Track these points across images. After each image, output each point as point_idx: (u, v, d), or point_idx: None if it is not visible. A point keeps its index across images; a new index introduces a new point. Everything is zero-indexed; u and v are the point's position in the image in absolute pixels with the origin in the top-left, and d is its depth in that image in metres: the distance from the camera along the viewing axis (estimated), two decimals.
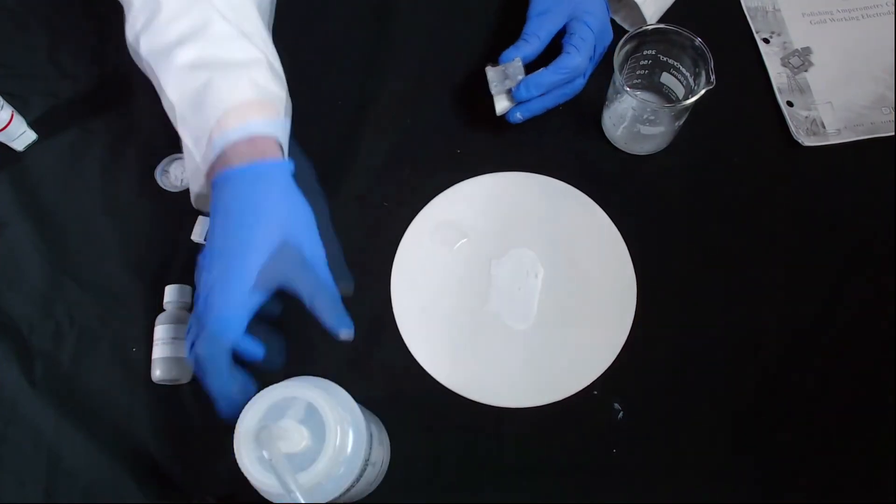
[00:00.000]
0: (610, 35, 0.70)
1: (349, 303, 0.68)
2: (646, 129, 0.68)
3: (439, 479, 0.62)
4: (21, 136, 0.72)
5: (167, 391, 0.65)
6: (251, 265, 0.54)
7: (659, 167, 0.72)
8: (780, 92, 0.74)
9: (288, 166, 0.58)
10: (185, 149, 0.59)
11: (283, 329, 0.67)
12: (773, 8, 0.78)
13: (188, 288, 0.67)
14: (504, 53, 0.68)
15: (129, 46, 0.62)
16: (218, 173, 0.56)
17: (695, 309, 0.67)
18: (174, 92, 0.58)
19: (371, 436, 0.53)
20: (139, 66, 0.63)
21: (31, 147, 0.74)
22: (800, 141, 0.72)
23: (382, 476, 0.61)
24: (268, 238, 0.55)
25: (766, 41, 0.77)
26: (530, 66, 0.67)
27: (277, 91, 0.60)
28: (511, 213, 0.71)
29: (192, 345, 0.54)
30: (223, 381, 0.54)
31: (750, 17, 0.78)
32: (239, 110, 0.56)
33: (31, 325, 0.67)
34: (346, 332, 0.56)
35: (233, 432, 0.49)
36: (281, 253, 0.55)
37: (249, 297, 0.54)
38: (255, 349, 0.56)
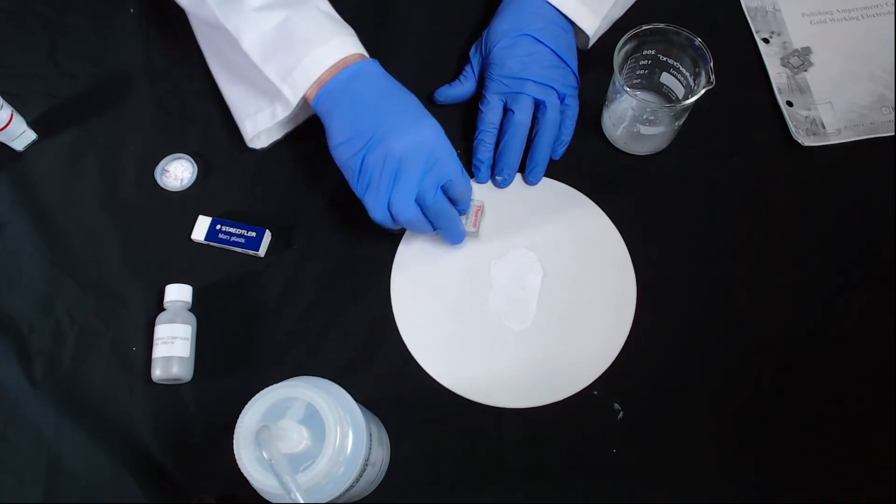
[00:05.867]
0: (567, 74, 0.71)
1: (351, 298, 0.68)
2: (646, 129, 0.68)
3: (439, 479, 0.62)
4: (21, 135, 0.72)
5: (167, 391, 0.65)
6: (432, 119, 0.62)
7: (659, 167, 0.72)
8: (779, 92, 0.74)
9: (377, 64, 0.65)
10: (255, 87, 0.67)
11: (285, 329, 0.67)
12: (773, 8, 0.78)
13: (188, 287, 0.67)
14: (439, 91, 0.74)
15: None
16: (331, 79, 0.63)
17: (695, 309, 0.67)
18: (252, 33, 0.64)
19: (371, 436, 0.53)
20: (194, 16, 0.70)
21: (30, 147, 0.74)
22: (799, 141, 0.72)
23: (382, 476, 0.61)
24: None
25: (766, 41, 0.77)
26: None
27: (335, 14, 0.67)
28: (511, 213, 0.71)
29: (424, 200, 0.62)
30: (456, 217, 0.65)
31: (750, 17, 0.78)
32: (323, 39, 0.63)
33: (31, 325, 0.67)
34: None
35: (233, 432, 0.49)
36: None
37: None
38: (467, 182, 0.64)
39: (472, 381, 0.65)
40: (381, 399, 0.62)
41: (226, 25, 0.65)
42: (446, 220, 0.64)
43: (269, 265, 0.69)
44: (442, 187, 0.63)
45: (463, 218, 0.67)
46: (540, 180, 0.71)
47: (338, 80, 0.63)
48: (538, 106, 0.69)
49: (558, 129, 0.70)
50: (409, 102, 0.63)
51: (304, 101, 0.65)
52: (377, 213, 0.62)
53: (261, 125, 0.69)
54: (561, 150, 0.71)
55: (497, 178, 0.71)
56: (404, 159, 0.60)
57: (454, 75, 0.75)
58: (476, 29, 0.77)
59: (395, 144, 0.60)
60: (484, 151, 0.71)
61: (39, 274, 0.69)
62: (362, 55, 0.65)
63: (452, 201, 0.64)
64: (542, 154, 0.70)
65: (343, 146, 0.62)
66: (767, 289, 0.67)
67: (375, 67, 0.65)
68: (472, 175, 0.72)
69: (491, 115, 0.70)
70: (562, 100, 0.70)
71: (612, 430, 0.63)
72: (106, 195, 0.72)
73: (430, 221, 0.64)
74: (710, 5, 0.79)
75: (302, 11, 0.65)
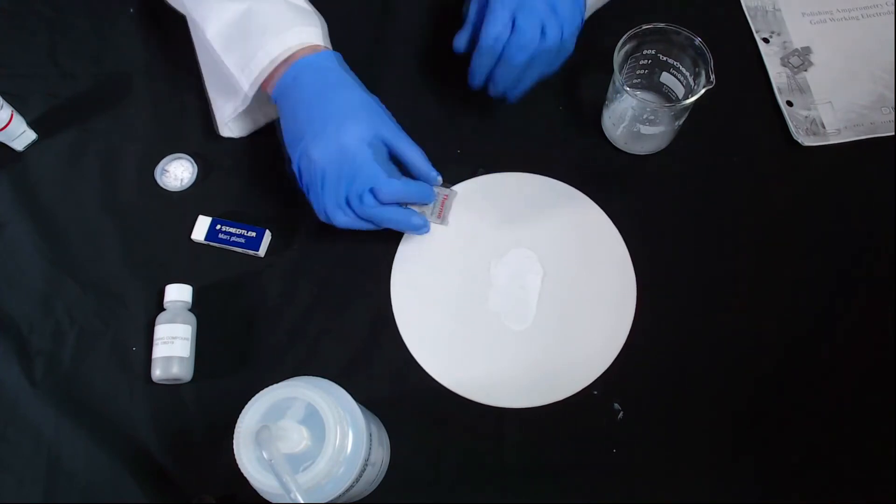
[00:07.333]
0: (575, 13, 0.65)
1: (351, 298, 0.68)
2: (646, 129, 0.68)
3: (439, 479, 0.62)
4: (21, 135, 0.72)
5: (167, 391, 0.65)
6: (358, 124, 0.61)
7: (659, 167, 0.72)
8: (779, 92, 0.74)
9: (336, 55, 0.65)
10: (223, 77, 0.66)
11: (285, 329, 0.67)
12: (773, 8, 0.78)
13: (188, 287, 0.67)
14: (456, 41, 0.69)
15: None
16: (283, 75, 0.62)
17: (695, 309, 0.67)
18: (216, 23, 0.64)
19: (371, 436, 0.53)
20: (175, 6, 0.70)
21: (30, 147, 0.74)
22: (799, 141, 0.72)
23: (382, 476, 0.61)
24: (362, 98, 0.63)
25: (766, 41, 0.77)
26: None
27: (305, 4, 0.67)
28: (511, 213, 0.70)
29: (351, 202, 0.62)
30: (397, 217, 0.64)
31: (750, 16, 0.78)
32: (278, 30, 0.63)
33: (31, 325, 0.67)
34: (438, 177, 0.65)
35: (233, 432, 0.49)
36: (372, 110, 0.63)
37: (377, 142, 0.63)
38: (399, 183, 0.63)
39: (472, 381, 0.65)
40: (381, 399, 0.62)
41: (193, 15, 0.65)
42: (386, 222, 0.64)
43: (269, 265, 0.69)
44: (372, 191, 0.62)
45: (429, 207, 0.67)
46: (517, 100, 0.68)
47: (286, 77, 0.63)
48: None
49: (552, 61, 0.66)
50: (338, 105, 0.62)
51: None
52: (319, 215, 0.63)
53: (226, 116, 0.69)
54: (522, 90, 0.68)
55: (491, 90, 0.68)
56: (325, 169, 0.61)
57: (454, 75, 0.75)
58: None
59: (314, 154, 0.61)
60: (482, 68, 0.67)
61: (39, 274, 0.69)
62: (315, 46, 0.64)
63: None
64: (531, 77, 0.67)
65: (288, 149, 0.63)
66: (767, 289, 0.67)
67: (321, 61, 0.63)
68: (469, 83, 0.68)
69: (496, 27, 0.64)
70: (561, 37, 0.65)
71: (612, 430, 0.63)
72: (106, 195, 0.72)
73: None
74: (710, 5, 0.79)
75: (265, 1, 0.64)
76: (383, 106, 0.65)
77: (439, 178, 0.66)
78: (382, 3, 0.79)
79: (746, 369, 0.65)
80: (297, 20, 0.64)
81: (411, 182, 0.64)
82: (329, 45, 0.66)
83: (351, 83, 0.64)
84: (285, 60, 0.63)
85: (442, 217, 0.68)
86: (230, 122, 0.70)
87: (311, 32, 0.64)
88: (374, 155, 0.62)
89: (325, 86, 0.63)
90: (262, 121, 0.72)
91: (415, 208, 0.66)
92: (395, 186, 0.62)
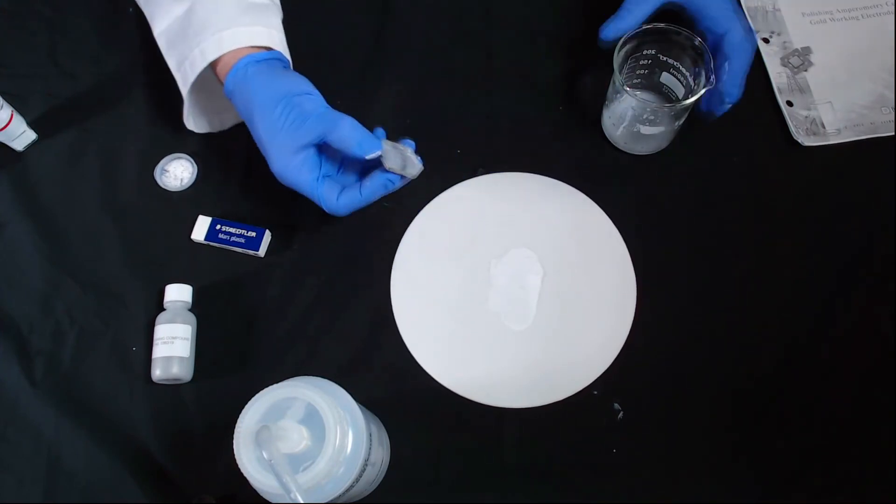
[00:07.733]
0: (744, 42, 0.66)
1: (351, 298, 0.68)
2: (646, 129, 0.68)
3: (439, 479, 0.62)
4: (21, 135, 0.72)
5: (167, 391, 0.65)
6: (278, 153, 0.60)
7: (659, 167, 0.72)
8: (780, 92, 0.74)
9: (266, 55, 0.62)
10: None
11: (285, 329, 0.67)
12: (773, 8, 0.78)
13: (188, 287, 0.67)
14: (603, 27, 0.67)
15: None
16: (226, 79, 0.61)
17: (695, 309, 0.67)
18: (161, 22, 0.64)
19: (371, 436, 0.53)
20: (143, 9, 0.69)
21: (30, 147, 0.74)
22: (799, 141, 0.72)
23: (382, 476, 0.61)
24: (274, 121, 0.59)
25: (766, 41, 0.77)
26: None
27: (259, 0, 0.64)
28: (511, 213, 0.71)
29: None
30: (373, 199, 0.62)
31: (750, 16, 0.78)
32: (219, 28, 0.61)
33: (31, 325, 0.67)
34: (373, 154, 0.60)
35: (233, 432, 0.49)
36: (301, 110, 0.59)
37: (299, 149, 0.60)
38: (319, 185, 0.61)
39: (472, 381, 0.65)
40: (381, 399, 0.62)
41: (145, 12, 0.65)
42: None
43: (269, 265, 0.69)
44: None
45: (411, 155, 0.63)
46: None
47: (226, 91, 0.62)
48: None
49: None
50: (258, 136, 0.61)
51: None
52: None
53: (185, 113, 0.68)
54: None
55: (727, 103, 0.67)
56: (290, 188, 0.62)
57: (454, 75, 0.75)
58: (476, 28, 0.77)
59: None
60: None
61: (39, 274, 0.69)
62: (250, 50, 0.62)
63: None
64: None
65: None
66: (767, 289, 0.67)
67: (242, 79, 0.61)
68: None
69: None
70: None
71: (612, 430, 0.63)
72: (106, 195, 0.72)
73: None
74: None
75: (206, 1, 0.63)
76: (307, 93, 0.61)
77: (378, 152, 0.60)
78: (382, 3, 0.79)
79: (746, 369, 0.65)
80: (241, 18, 0.62)
81: (361, 190, 0.62)
82: (274, 41, 0.63)
83: (264, 103, 0.60)
84: (222, 65, 0.61)
85: (407, 174, 0.63)
86: (194, 117, 0.70)
87: (248, 34, 0.62)
88: (311, 175, 0.61)
89: (247, 113, 0.61)
90: (229, 121, 0.72)
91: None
92: (345, 205, 0.62)
